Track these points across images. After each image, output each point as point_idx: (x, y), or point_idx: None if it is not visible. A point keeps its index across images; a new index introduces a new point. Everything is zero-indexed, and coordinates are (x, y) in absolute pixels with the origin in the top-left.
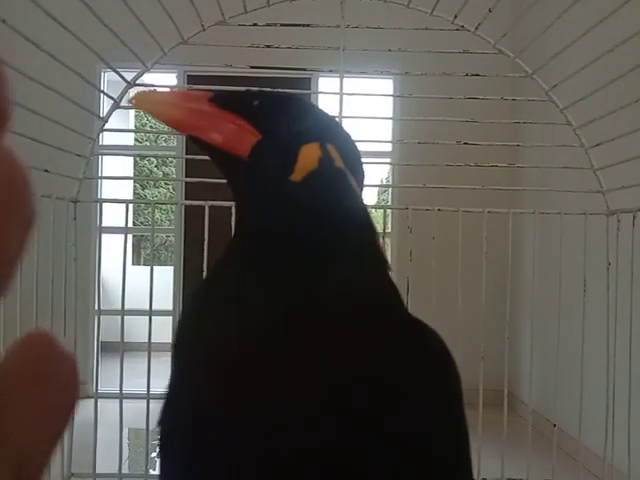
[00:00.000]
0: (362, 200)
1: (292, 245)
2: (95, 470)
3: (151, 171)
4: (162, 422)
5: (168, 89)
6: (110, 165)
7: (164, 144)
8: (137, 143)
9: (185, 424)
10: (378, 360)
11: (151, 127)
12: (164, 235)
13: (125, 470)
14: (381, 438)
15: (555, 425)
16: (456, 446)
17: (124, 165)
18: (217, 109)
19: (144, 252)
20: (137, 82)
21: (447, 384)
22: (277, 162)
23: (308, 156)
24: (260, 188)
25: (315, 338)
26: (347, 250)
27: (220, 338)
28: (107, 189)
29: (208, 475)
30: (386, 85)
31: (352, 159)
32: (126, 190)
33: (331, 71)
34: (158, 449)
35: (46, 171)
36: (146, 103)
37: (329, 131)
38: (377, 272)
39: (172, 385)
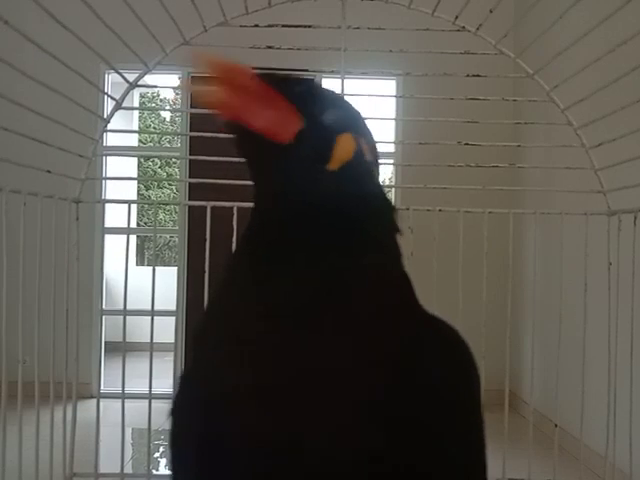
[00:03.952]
0: (385, 194)
1: (323, 232)
2: (97, 470)
3: (155, 172)
4: (178, 411)
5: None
6: (114, 166)
7: (168, 145)
8: (141, 144)
9: (212, 406)
10: (400, 347)
11: (154, 128)
12: (168, 236)
13: (128, 470)
14: (399, 421)
15: (556, 425)
16: (473, 435)
17: (128, 166)
18: (264, 85)
19: (148, 253)
20: (139, 83)
21: (466, 372)
22: (318, 150)
23: (344, 147)
24: (300, 175)
25: (340, 323)
26: (372, 241)
27: (249, 320)
28: (111, 190)
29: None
30: (388, 86)
31: (375, 154)
32: (130, 191)
33: (332, 72)
34: (171, 438)
35: (48, 172)
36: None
37: (359, 124)
38: (397, 263)
39: (191, 375)
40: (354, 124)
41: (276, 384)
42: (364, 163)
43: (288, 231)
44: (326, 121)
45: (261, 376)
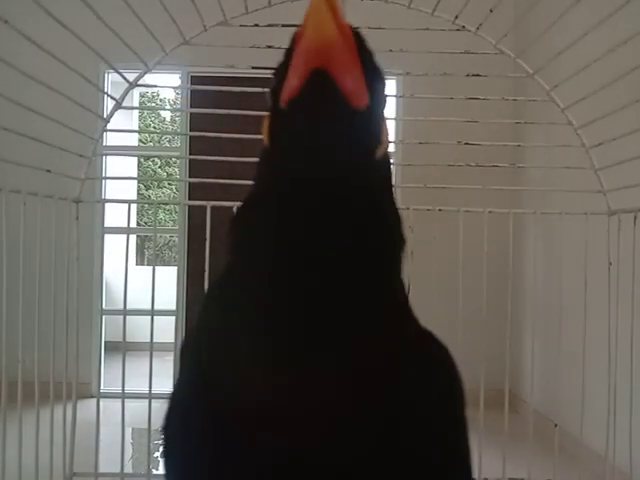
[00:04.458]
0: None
1: (354, 226)
2: (97, 470)
3: (155, 172)
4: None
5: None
6: (114, 165)
7: (167, 145)
8: (141, 144)
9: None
10: (386, 374)
11: (154, 128)
12: (168, 235)
13: (128, 470)
14: (390, 439)
15: (556, 425)
16: (457, 450)
17: (128, 165)
18: (356, 49)
19: (148, 252)
20: (139, 82)
21: (450, 394)
22: (374, 132)
23: (386, 135)
24: (358, 152)
25: (345, 356)
26: (390, 250)
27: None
28: (111, 189)
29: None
30: (388, 85)
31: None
32: (130, 190)
33: None
34: (163, 452)
35: (48, 171)
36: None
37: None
38: (398, 277)
39: (187, 384)
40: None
41: (274, 407)
42: (389, 157)
43: (311, 225)
44: (380, 105)
45: (261, 400)
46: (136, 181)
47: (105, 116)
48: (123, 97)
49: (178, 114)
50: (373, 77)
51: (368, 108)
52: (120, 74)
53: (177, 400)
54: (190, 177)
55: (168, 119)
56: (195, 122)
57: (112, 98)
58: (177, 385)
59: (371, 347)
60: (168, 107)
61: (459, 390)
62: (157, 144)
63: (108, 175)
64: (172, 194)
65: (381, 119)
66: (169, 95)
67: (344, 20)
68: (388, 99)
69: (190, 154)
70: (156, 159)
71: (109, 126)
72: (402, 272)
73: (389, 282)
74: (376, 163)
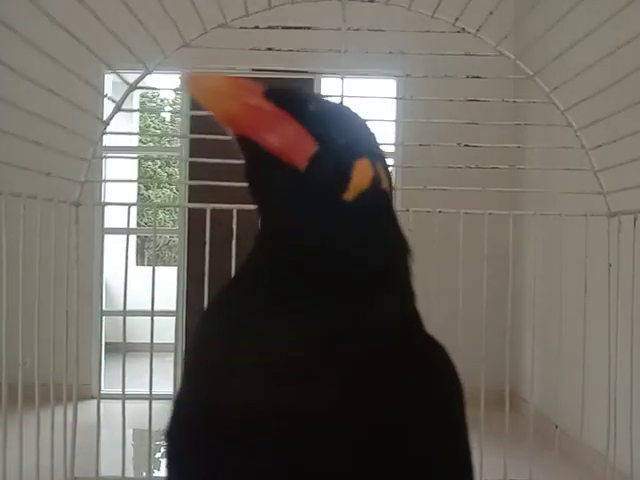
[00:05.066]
0: (400, 224)
1: (334, 272)
2: (98, 473)
3: (155, 172)
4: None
5: (221, 75)
6: (114, 166)
7: (168, 145)
8: (141, 144)
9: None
10: (403, 394)
11: (154, 128)
12: (168, 235)
13: (129, 471)
14: (395, 449)
15: (557, 426)
16: (457, 458)
17: (128, 166)
18: (274, 107)
19: (148, 252)
20: (139, 85)
21: (451, 403)
22: (333, 177)
23: (361, 174)
24: (314, 205)
25: (346, 369)
26: (387, 278)
27: (250, 366)
28: (111, 190)
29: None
30: (389, 84)
31: (391, 179)
32: (130, 191)
33: (333, 74)
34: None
35: (48, 174)
36: (199, 90)
37: (375, 146)
38: (409, 299)
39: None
40: (370, 147)
41: (278, 420)
42: (381, 192)
43: (297, 270)
44: (341, 145)
45: (263, 414)
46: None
47: (105, 118)
48: (123, 100)
49: (179, 107)
50: (318, 123)
51: (317, 156)
52: (120, 76)
53: (179, 410)
54: (190, 178)
55: (168, 118)
56: (196, 123)
57: (112, 101)
58: (179, 396)
59: (375, 358)
60: (168, 108)
61: (460, 398)
62: (157, 144)
63: (108, 175)
64: (172, 194)
65: (346, 159)
66: (169, 95)
67: (254, 87)
68: (363, 134)
69: (190, 155)
70: (156, 160)
71: (109, 128)
72: (411, 280)
73: (396, 301)
74: (347, 206)
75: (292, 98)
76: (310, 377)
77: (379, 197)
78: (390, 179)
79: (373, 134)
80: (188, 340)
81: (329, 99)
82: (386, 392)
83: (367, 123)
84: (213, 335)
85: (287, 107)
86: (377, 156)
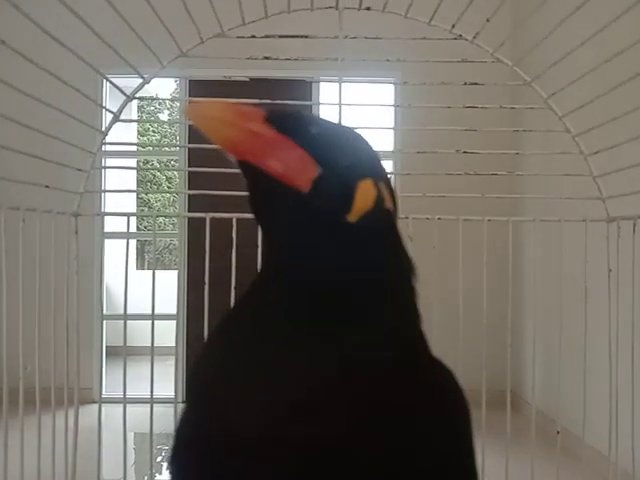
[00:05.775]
0: (404, 243)
1: (339, 293)
2: (100, 477)
3: (154, 175)
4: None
5: (221, 101)
6: (113, 171)
7: (167, 149)
8: (140, 148)
9: None
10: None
11: (153, 131)
12: (168, 239)
13: (130, 475)
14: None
15: (558, 432)
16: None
17: (127, 170)
18: (275, 133)
19: (148, 256)
20: (136, 95)
21: (459, 429)
22: (336, 200)
23: (365, 195)
24: (317, 227)
25: (355, 400)
26: (392, 301)
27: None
28: (110, 194)
29: None
30: (387, 90)
31: (395, 200)
32: (129, 195)
33: (330, 81)
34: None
35: (47, 187)
36: (199, 118)
37: (378, 166)
38: (415, 323)
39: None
40: (373, 167)
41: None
42: (385, 213)
43: (301, 296)
44: (344, 166)
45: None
46: (135, 184)
47: (103, 129)
48: (121, 110)
49: (177, 113)
50: (320, 147)
51: (320, 179)
52: (117, 87)
53: (182, 438)
54: (189, 184)
55: (166, 118)
56: (194, 130)
57: (110, 112)
58: (182, 423)
59: (384, 387)
60: (166, 112)
61: (467, 423)
62: (156, 148)
63: (107, 178)
64: (172, 197)
65: (349, 181)
66: (167, 95)
67: (255, 112)
68: (366, 153)
69: (189, 161)
70: (155, 162)
71: (109, 135)
72: (416, 301)
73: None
74: (351, 228)
75: (293, 122)
76: (319, 406)
77: (383, 217)
78: (394, 198)
79: (376, 154)
80: (189, 368)
81: (331, 121)
82: (396, 421)
83: (369, 143)
84: (217, 365)
85: (288, 131)
86: (380, 176)
